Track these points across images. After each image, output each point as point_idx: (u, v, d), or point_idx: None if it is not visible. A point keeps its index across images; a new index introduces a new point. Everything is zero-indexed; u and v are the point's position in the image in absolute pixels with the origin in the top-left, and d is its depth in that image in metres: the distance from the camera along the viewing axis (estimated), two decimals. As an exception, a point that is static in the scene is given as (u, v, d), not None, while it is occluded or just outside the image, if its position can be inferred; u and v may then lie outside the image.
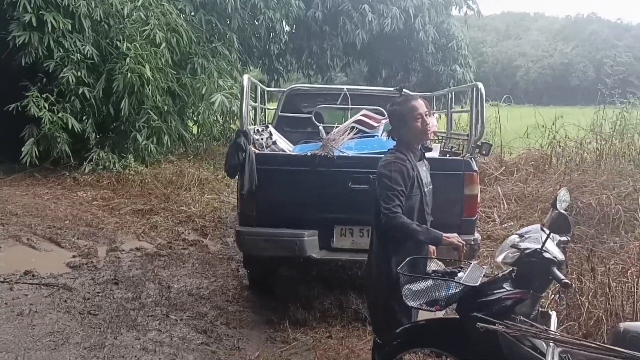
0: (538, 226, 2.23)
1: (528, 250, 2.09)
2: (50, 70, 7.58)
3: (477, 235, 3.70)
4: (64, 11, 7.53)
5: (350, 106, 4.95)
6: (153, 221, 6.04)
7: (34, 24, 7.24)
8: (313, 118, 4.85)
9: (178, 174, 7.80)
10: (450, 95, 5.06)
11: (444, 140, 4.82)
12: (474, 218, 3.68)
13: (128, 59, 7.75)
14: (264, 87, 5.25)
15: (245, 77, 3.66)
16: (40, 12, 7.30)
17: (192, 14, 9.42)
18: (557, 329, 2.19)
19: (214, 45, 9.13)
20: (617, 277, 3.91)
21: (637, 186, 6.19)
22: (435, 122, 5.07)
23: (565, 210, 2.37)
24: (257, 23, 10.72)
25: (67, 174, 7.87)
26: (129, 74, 7.72)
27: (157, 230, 5.81)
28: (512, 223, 6.02)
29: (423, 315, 2.52)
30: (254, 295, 4.17)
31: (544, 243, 2.05)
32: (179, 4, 8.89)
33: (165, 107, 8.48)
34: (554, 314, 2.16)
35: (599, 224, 5.61)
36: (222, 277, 4.55)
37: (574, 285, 3.80)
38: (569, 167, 7.45)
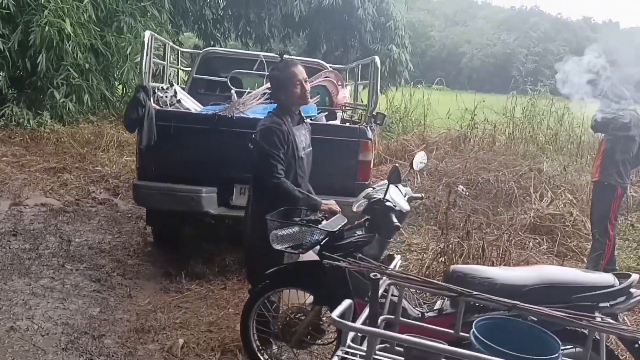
0: (387, 181, 2.50)
1: (373, 200, 2.37)
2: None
3: (369, 198, 3.98)
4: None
5: (266, 73, 5.03)
6: (64, 179, 5.90)
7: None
8: (228, 82, 4.90)
9: (97, 134, 7.59)
10: (357, 69, 5.27)
11: (347, 110, 5.04)
12: (366, 182, 3.94)
13: (47, 12, 7.36)
14: (176, 46, 5.21)
15: (147, 33, 3.66)
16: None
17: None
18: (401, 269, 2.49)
19: (142, 4, 8.80)
20: (492, 242, 4.38)
21: (533, 166, 6.82)
22: (346, 94, 5.31)
23: (421, 169, 2.68)
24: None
25: (-24, 128, 7.44)
26: (47, 28, 7.34)
27: (66, 188, 5.70)
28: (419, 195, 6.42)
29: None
30: (156, 251, 4.26)
31: (385, 193, 2.33)
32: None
33: (87, 65, 8.15)
34: (397, 257, 2.45)
35: (495, 198, 6.15)
36: (127, 234, 4.59)
37: (451, 245, 4.23)
38: (481, 147, 8.03)
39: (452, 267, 2.41)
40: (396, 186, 2.52)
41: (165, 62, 4.67)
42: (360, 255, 2.27)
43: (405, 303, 2.50)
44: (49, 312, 3.12)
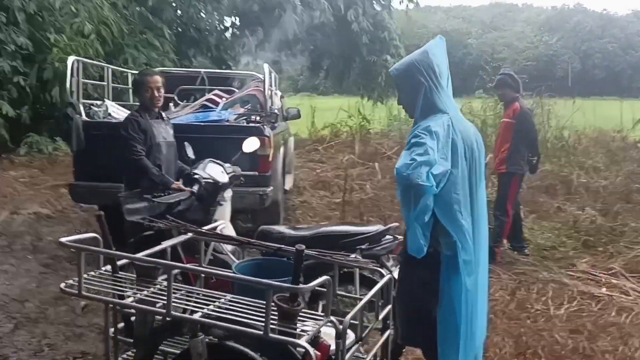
0: (209, 159, 3.06)
1: (186, 172, 2.93)
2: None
3: (270, 188, 4.52)
4: (-1, 5, 8.38)
5: (207, 87, 5.78)
6: (60, 193, 6.88)
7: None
8: (175, 97, 5.67)
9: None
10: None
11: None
12: (267, 174, 4.50)
13: (56, 50, 8.58)
14: (115, 67, 6.10)
15: (71, 58, 4.50)
16: (-27, 6, 8.15)
17: (125, 6, 10.21)
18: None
19: (145, 36, 9.92)
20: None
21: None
22: (278, 101, 5.87)
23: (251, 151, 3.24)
24: (196, 17, 11.58)
25: (5, 156, 8.73)
26: (57, 64, 8.56)
27: (60, 200, 6.65)
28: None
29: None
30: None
31: (192, 168, 2.88)
32: (111, -2, 9.71)
33: (96, 95, 9.29)
34: (221, 222, 2.89)
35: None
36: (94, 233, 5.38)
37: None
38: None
39: (261, 227, 2.93)
40: (218, 163, 3.07)
41: (105, 83, 5.51)
42: (170, 217, 2.80)
43: (229, 258, 3.02)
44: (-4, 287, 3.94)
